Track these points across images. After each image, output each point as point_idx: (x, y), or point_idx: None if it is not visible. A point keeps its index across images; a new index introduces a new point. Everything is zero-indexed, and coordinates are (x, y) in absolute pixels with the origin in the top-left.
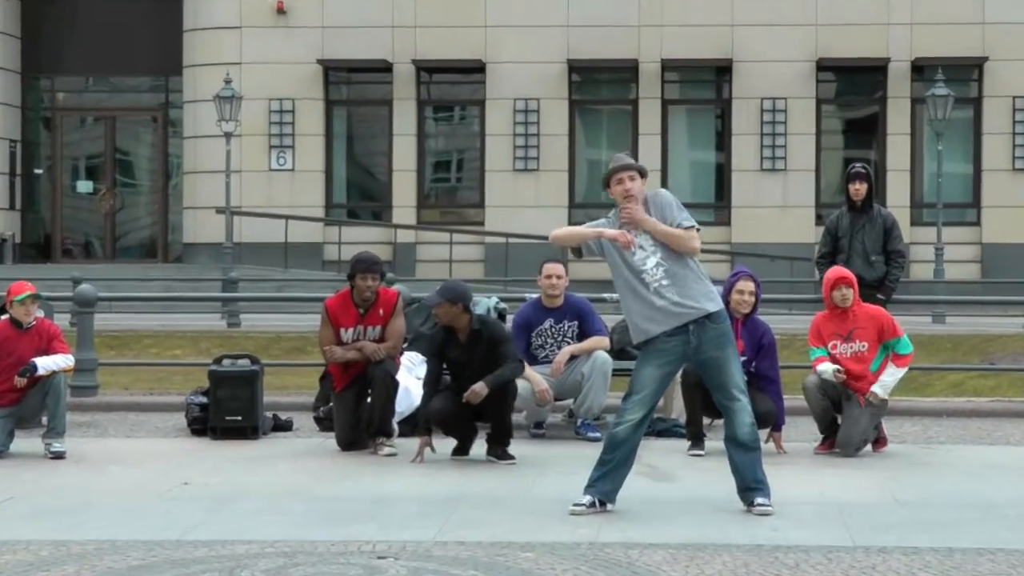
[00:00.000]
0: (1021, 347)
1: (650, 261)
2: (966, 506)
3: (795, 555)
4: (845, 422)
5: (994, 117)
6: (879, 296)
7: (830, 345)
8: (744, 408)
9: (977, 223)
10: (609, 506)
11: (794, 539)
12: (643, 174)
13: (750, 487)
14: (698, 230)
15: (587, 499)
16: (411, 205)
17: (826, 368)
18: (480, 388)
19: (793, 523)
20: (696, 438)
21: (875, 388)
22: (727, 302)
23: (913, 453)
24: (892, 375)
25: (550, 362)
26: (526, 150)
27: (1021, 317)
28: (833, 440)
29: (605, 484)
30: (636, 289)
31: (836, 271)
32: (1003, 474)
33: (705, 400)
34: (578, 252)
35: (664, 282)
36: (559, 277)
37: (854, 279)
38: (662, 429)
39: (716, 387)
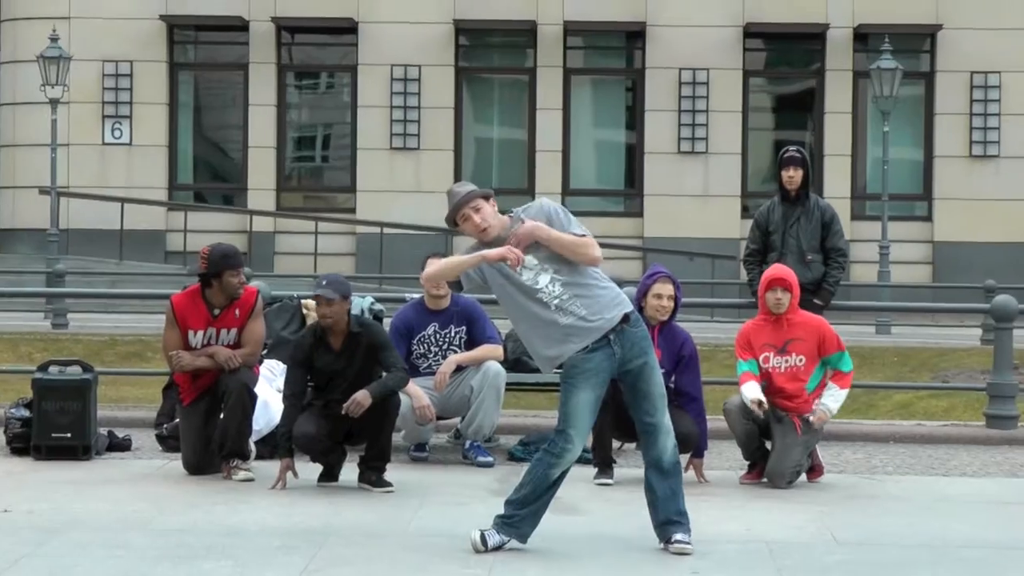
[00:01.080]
0: (978, 363)
1: (543, 278)
2: (916, 546)
3: None
4: (776, 449)
5: (948, 95)
6: (816, 301)
7: (762, 358)
8: (669, 428)
9: (928, 218)
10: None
11: None
12: (487, 197)
13: (671, 520)
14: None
15: (496, 539)
16: (270, 188)
17: (750, 392)
18: (363, 397)
19: (716, 564)
20: (604, 464)
21: (820, 407)
22: (640, 308)
23: (854, 484)
24: (836, 398)
25: (433, 374)
26: (405, 125)
27: (978, 328)
28: (761, 468)
29: (526, 526)
30: (535, 312)
31: (774, 270)
32: (958, 509)
33: (615, 421)
34: (457, 286)
35: (565, 296)
36: None
37: (794, 282)
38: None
39: (640, 400)
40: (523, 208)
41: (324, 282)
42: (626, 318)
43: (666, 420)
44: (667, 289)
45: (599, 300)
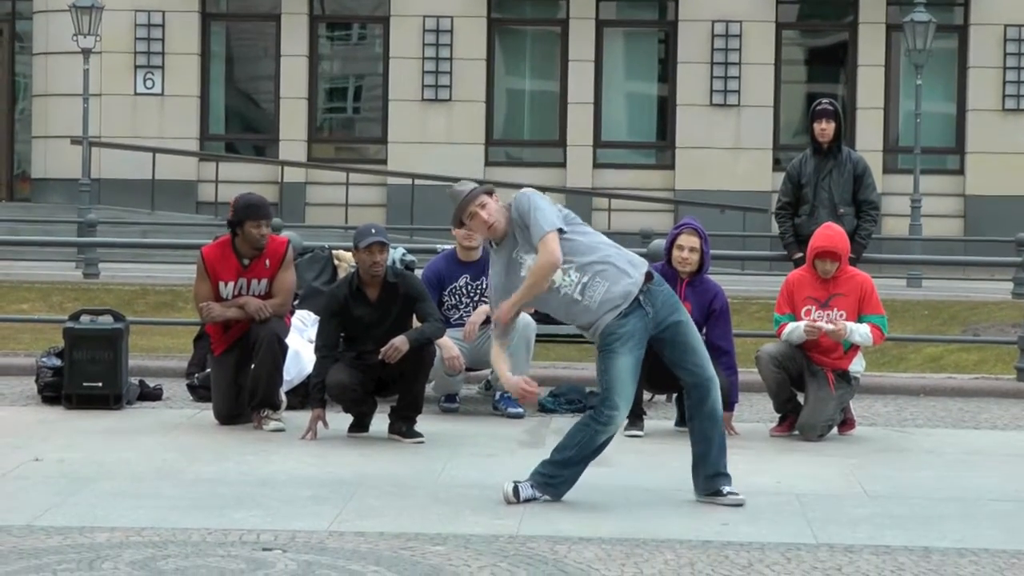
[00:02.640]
0: (1009, 316)
1: (556, 276)
2: (946, 499)
3: (748, 553)
4: (809, 402)
5: (982, 48)
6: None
7: (803, 311)
8: (716, 378)
9: (960, 171)
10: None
11: (747, 535)
12: (490, 193)
13: (720, 472)
14: (563, 232)
15: (529, 493)
16: (301, 139)
17: (795, 329)
18: (401, 343)
19: (746, 516)
20: (635, 416)
21: (849, 326)
22: (668, 260)
23: (885, 437)
24: (861, 334)
25: (464, 325)
26: (436, 76)
27: (1009, 281)
28: (792, 420)
29: (565, 487)
30: (565, 303)
31: (823, 240)
32: (989, 462)
33: (646, 373)
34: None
35: (585, 279)
36: None
37: (844, 251)
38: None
39: (686, 354)
40: (514, 199)
41: (374, 230)
42: (649, 276)
43: (712, 370)
44: (690, 241)
45: (616, 266)
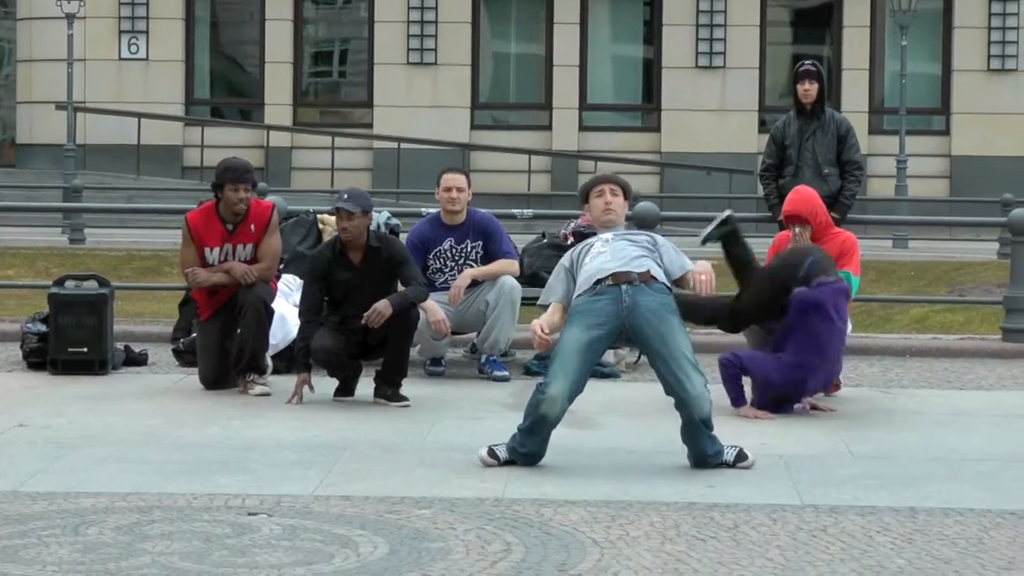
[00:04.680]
0: (994, 276)
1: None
2: (931, 460)
3: (734, 514)
4: None
5: (967, 9)
6: (833, 215)
7: None
8: (698, 397)
9: (946, 132)
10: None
11: (732, 496)
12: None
13: (714, 466)
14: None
15: (505, 454)
16: (286, 103)
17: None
18: (384, 307)
19: (731, 478)
20: None
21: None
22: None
23: (871, 398)
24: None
25: (449, 289)
26: (422, 40)
27: (994, 242)
28: None
29: (533, 455)
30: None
31: (787, 204)
32: (974, 423)
33: None
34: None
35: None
36: (460, 189)
37: (811, 212)
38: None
39: (666, 365)
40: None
41: (345, 196)
42: (650, 277)
43: (695, 388)
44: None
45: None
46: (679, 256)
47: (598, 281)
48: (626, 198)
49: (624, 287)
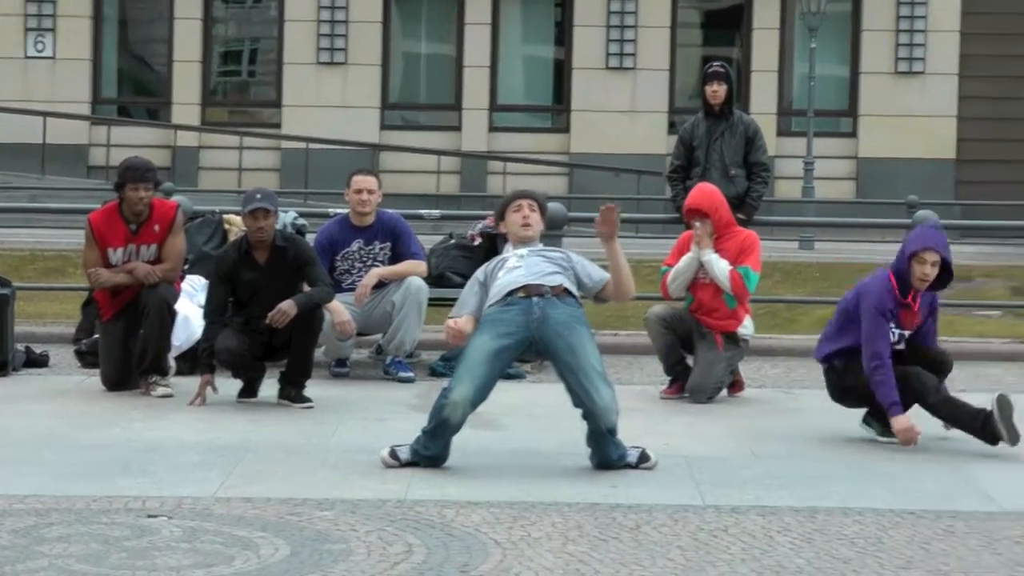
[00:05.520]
0: None
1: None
2: (832, 460)
3: (636, 515)
4: (699, 364)
5: (875, 11)
6: (739, 216)
7: None
8: (605, 409)
9: (853, 134)
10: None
11: (635, 497)
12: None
13: (619, 467)
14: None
15: (408, 455)
16: (195, 102)
17: (684, 257)
18: (288, 307)
19: (634, 479)
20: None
21: (714, 256)
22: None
23: (774, 399)
24: (721, 268)
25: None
26: (332, 40)
27: (900, 243)
28: (682, 383)
29: (438, 457)
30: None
31: (689, 197)
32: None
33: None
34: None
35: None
36: (370, 192)
37: (711, 207)
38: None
39: (572, 376)
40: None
41: (259, 196)
42: (564, 291)
43: (603, 400)
44: (932, 256)
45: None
46: (596, 269)
47: (510, 292)
48: (543, 215)
49: (535, 299)
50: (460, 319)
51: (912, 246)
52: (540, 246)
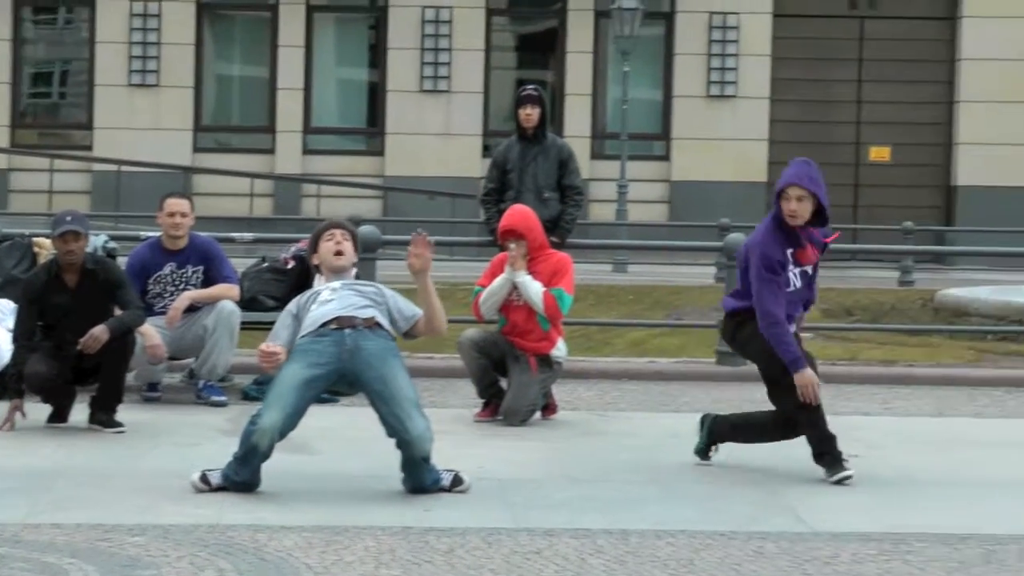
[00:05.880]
0: (711, 300)
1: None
2: (646, 482)
3: (449, 539)
4: (512, 387)
5: (688, 36)
6: (553, 239)
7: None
8: (420, 438)
9: (666, 158)
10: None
11: (448, 520)
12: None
13: (433, 491)
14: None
15: (219, 480)
16: (4, 124)
17: (498, 279)
18: (100, 332)
19: (447, 503)
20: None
21: (527, 278)
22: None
23: (588, 421)
24: (534, 289)
25: None
26: (144, 61)
27: (712, 266)
28: (496, 406)
29: (249, 484)
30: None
31: (504, 218)
32: (687, 445)
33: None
34: None
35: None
36: (183, 215)
37: (523, 229)
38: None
39: (384, 406)
40: None
41: (69, 218)
42: (372, 323)
43: (416, 429)
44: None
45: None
46: (408, 305)
47: (323, 324)
48: (355, 246)
49: (347, 331)
50: (273, 345)
51: (778, 184)
52: (353, 279)
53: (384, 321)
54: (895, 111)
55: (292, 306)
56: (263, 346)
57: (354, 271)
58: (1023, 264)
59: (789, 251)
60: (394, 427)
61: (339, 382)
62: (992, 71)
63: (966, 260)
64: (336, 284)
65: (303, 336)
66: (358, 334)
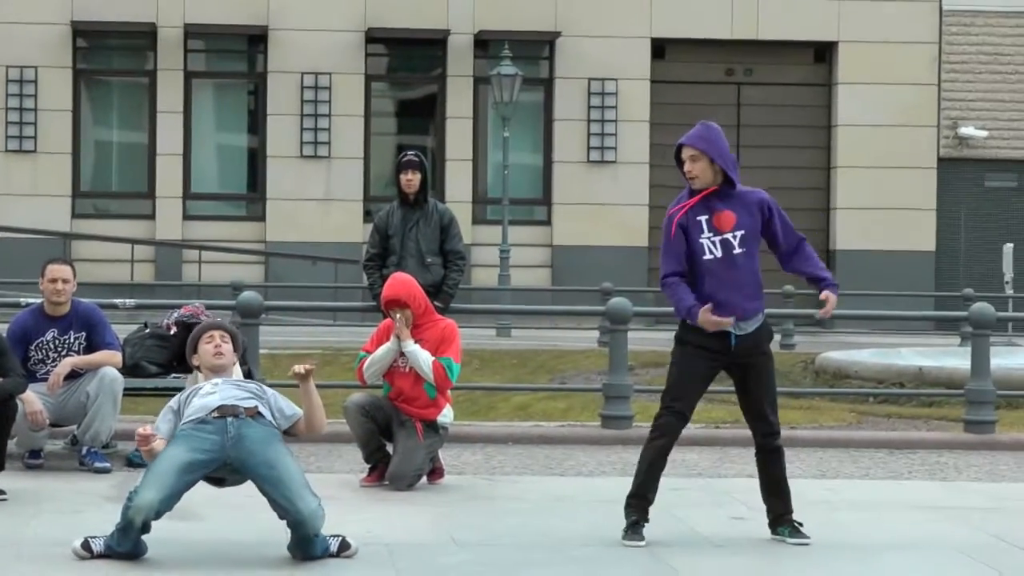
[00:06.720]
0: (595, 364)
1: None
2: (532, 546)
3: None
4: (398, 452)
5: (567, 101)
6: (436, 304)
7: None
8: (309, 518)
9: (547, 222)
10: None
11: None
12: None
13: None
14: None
15: (102, 546)
16: None
17: (381, 349)
18: None
19: (334, 568)
20: None
21: (416, 349)
22: None
23: (474, 485)
24: (424, 360)
25: None
26: (20, 127)
27: (595, 330)
28: (382, 471)
29: (132, 551)
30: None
31: (386, 288)
32: (573, 508)
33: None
34: None
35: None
36: (65, 281)
37: (406, 297)
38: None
39: (273, 488)
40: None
41: None
42: (254, 412)
43: (307, 509)
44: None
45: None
46: (288, 404)
47: (207, 413)
48: (235, 344)
49: (230, 419)
50: (151, 428)
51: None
52: (234, 378)
53: (266, 412)
54: (773, 176)
55: (173, 403)
56: (140, 429)
57: (236, 370)
58: (901, 327)
59: (702, 218)
60: (285, 508)
61: (222, 469)
62: (866, 136)
63: (845, 323)
64: (217, 380)
65: (186, 422)
66: (241, 422)
